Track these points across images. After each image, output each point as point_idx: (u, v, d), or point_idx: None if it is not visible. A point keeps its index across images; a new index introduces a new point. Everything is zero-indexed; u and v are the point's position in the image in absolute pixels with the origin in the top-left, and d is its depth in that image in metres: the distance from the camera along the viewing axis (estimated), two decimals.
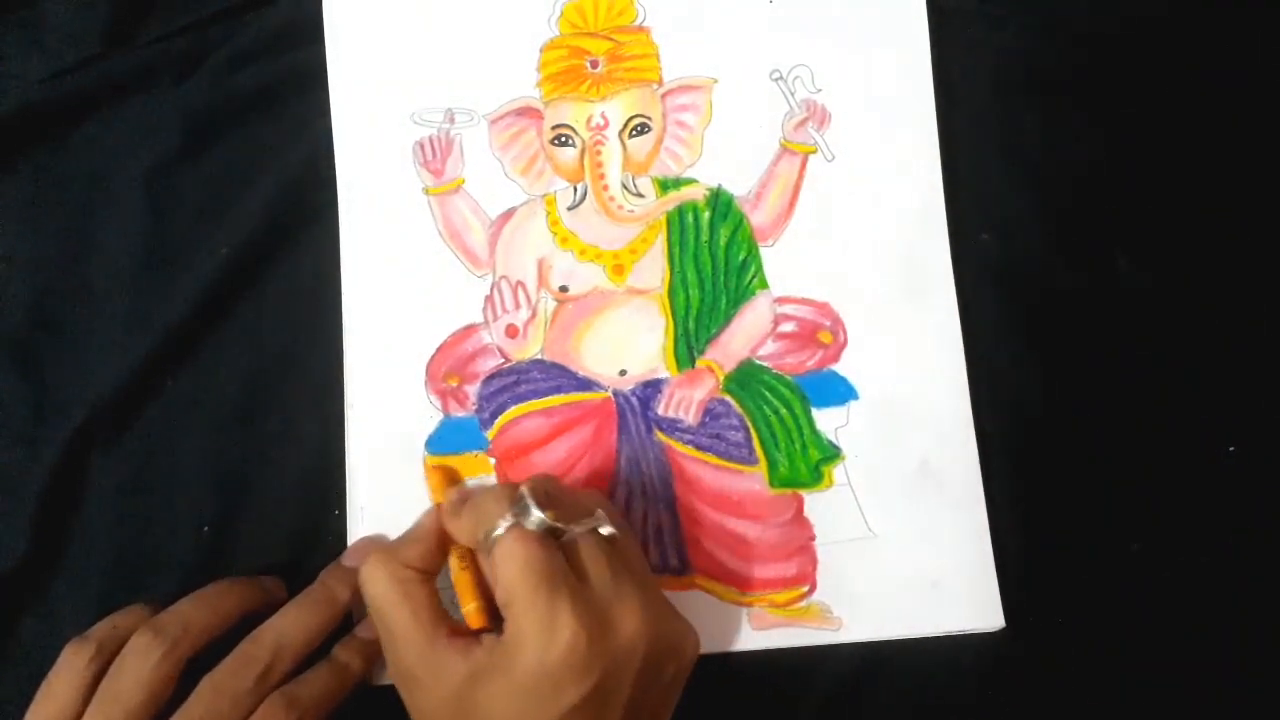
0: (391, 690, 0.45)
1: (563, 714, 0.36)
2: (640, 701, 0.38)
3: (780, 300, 0.49)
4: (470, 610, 0.40)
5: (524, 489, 0.39)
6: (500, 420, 0.48)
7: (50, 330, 0.49)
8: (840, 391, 0.48)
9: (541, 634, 0.36)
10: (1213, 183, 0.50)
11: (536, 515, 0.38)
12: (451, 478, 0.47)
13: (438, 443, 0.48)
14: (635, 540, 0.43)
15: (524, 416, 0.48)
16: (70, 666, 0.41)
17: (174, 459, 0.48)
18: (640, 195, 0.50)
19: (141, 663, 0.40)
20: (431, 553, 0.41)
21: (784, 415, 0.48)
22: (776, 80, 0.50)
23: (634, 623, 0.37)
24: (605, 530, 0.40)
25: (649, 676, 0.38)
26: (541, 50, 0.50)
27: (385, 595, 0.39)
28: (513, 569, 0.37)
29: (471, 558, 0.41)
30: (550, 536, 0.38)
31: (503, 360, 0.48)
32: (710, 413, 0.48)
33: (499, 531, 0.38)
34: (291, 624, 0.42)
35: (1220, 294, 0.49)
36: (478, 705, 0.37)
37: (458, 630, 0.39)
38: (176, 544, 0.47)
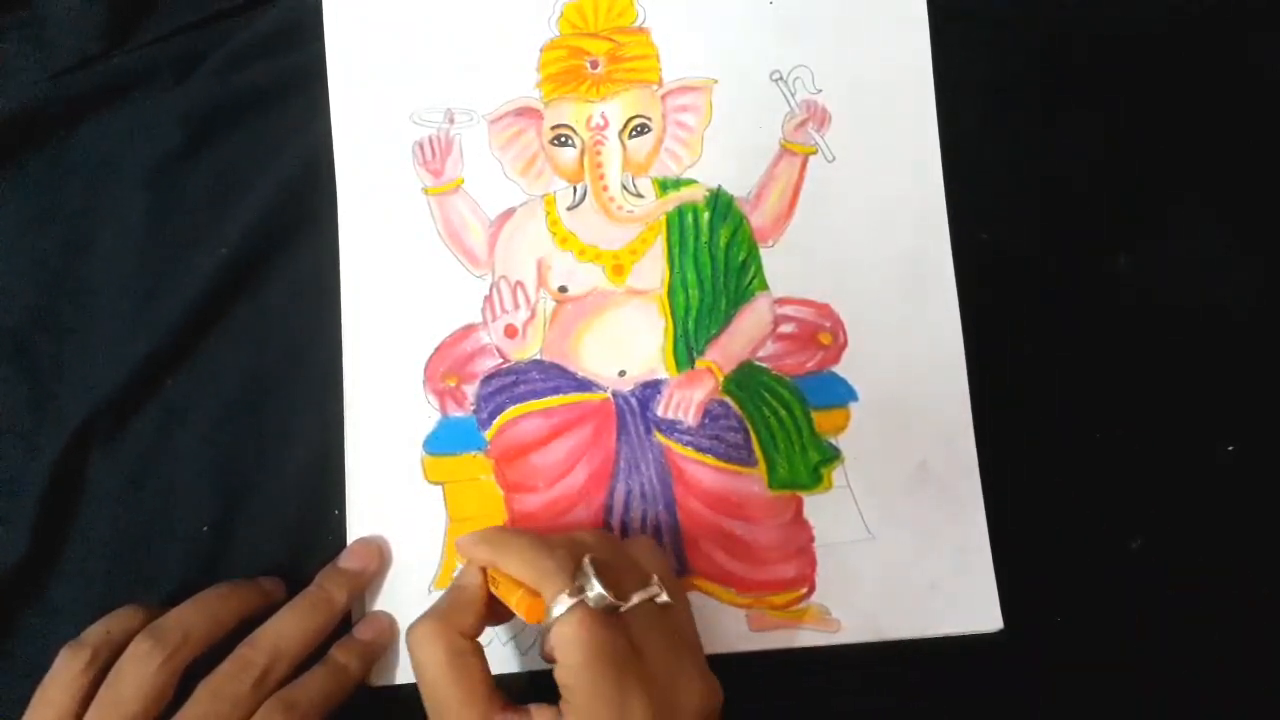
0: (391, 691, 0.46)
1: None
2: None
3: (780, 301, 0.49)
4: (524, 604, 0.39)
5: (587, 563, 0.37)
6: (499, 421, 0.48)
7: (50, 330, 0.49)
8: (840, 393, 0.48)
9: None
10: (1213, 182, 0.50)
11: (599, 592, 0.37)
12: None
13: (436, 443, 0.48)
14: (685, 599, 0.42)
15: (522, 417, 0.48)
16: (66, 672, 0.41)
17: (174, 459, 0.48)
18: (640, 196, 0.50)
19: (141, 670, 0.40)
20: (481, 618, 0.40)
21: (783, 417, 0.48)
22: (776, 81, 0.50)
23: (695, 699, 0.37)
24: (661, 600, 0.39)
25: None
26: (541, 50, 0.50)
27: (440, 669, 0.38)
28: (577, 654, 0.36)
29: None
30: (612, 613, 0.37)
31: (501, 360, 0.48)
32: (709, 414, 0.48)
33: (560, 610, 0.36)
34: (289, 627, 0.43)
35: (1220, 293, 0.49)
36: None
37: (508, 706, 0.38)
38: (176, 544, 0.48)
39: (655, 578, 0.39)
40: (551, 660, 0.38)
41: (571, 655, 0.36)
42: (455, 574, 0.42)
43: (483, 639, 0.46)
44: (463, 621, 0.39)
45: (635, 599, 0.38)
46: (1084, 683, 0.46)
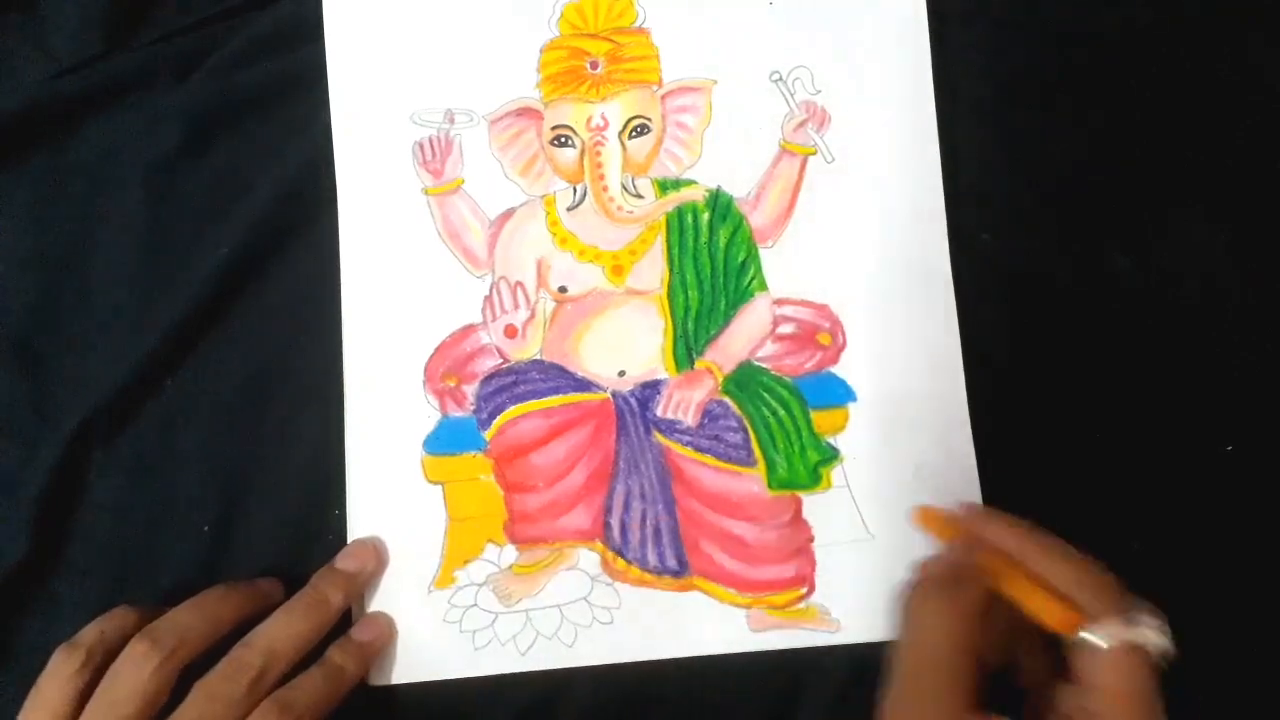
0: (389, 691, 0.46)
1: None
2: None
3: (779, 302, 0.49)
4: (1055, 611, 0.37)
5: (1151, 621, 0.36)
6: (498, 421, 0.48)
7: (50, 330, 0.49)
8: (839, 393, 0.48)
9: None
10: (1213, 182, 0.50)
11: (1162, 645, 0.36)
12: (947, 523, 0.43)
13: (435, 443, 0.48)
14: None
15: (522, 417, 0.48)
16: (59, 673, 0.41)
17: (174, 459, 0.48)
18: (640, 196, 0.50)
19: (137, 672, 0.40)
20: (983, 602, 0.37)
21: (782, 417, 0.48)
22: (776, 82, 0.50)
23: None
24: (1165, 646, 0.37)
25: None
26: (541, 51, 0.50)
27: (941, 644, 0.36)
28: (1126, 687, 0.36)
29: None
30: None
31: (501, 360, 0.48)
32: (709, 414, 0.48)
33: (1112, 633, 0.36)
34: (284, 629, 0.43)
35: (1219, 294, 0.49)
36: None
37: (977, 706, 0.36)
38: (176, 544, 0.48)
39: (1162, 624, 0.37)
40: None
41: (1120, 685, 0.36)
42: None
43: (484, 639, 0.46)
44: (971, 597, 0.37)
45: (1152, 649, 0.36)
46: None
